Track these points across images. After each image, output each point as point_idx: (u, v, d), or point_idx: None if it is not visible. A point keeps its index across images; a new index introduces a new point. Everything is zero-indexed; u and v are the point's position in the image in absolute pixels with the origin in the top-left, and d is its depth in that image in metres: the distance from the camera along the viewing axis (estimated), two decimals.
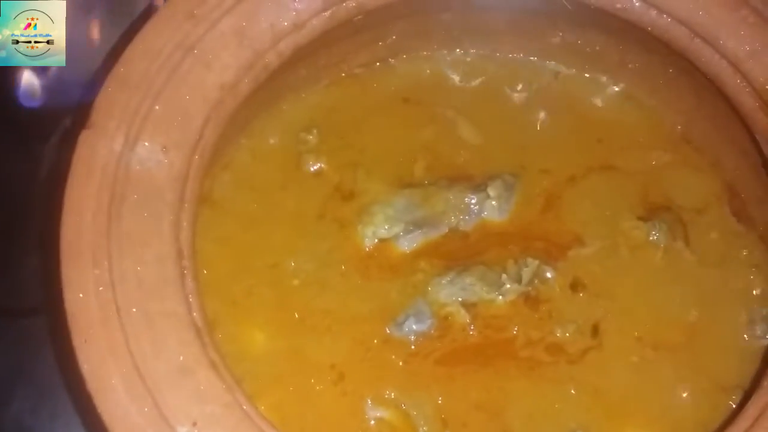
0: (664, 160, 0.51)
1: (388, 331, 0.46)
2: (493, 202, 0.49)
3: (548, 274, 0.47)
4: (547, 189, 0.50)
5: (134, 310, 0.36)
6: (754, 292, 0.47)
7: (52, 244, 0.37)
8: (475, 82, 0.53)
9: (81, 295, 0.35)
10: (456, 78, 0.53)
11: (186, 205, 0.39)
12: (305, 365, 0.45)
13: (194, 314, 0.37)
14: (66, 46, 0.59)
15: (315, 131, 0.51)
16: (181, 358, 0.35)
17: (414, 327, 0.46)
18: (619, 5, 0.43)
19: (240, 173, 0.50)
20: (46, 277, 0.39)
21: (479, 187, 0.49)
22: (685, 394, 0.45)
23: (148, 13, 0.50)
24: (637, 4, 0.43)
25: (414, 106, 0.53)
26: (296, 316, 0.46)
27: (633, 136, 0.51)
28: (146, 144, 0.39)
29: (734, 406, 0.44)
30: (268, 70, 0.44)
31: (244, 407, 0.35)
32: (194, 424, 0.33)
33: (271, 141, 0.51)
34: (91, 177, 0.38)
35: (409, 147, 0.52)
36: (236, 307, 0.46)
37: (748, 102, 0.41)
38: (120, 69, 0.40)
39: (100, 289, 0.36)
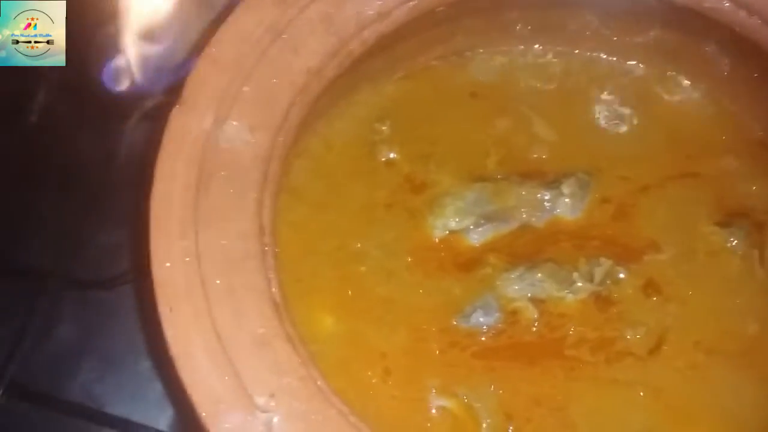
0: (742, 165, 0.50)
1: (455, 323, 0.46)
2: (567, 200, 0.49)
3: (621, 275, 0.47)
4: (622, 192, 0.50)
5: (218, 281, 0.37)
6: None
7: (140, 216, 0.38)
8: (553, 79, 0.53)
9: (168, 265, 0.36)
10: (533, 74, 0.53)
11: (269, 184, 0.40)
12: (364, 353, 0.46)
13: (273, 290, 0.38)
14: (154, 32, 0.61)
15: (388, 122, 0.52)
16: (261, 330, 0.36)
17: (481, 320, 0.46)
18: (707, 4, 0.43)
19: (314, 160, 0.51)
20: (134, 248, 0.40)
21: (553, 184, 0.49)
22: (746, 401, 0.44)
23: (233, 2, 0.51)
24: (726, 4, 0.42)
25: (489, 101, 0.53)
26: (360, 302, 0.47)
27: (711, 142, 0.50)
28: (235, 123, 0.40)
29: None
30: (352, 57, 0.44)
31: (319, 383, 0.35)
32: (272, 395, 0.34)
33: (346, 130, 0.52)
34: (182, 151, 0.39)
35: (482, 141, 0.52)
36: (303, 288, 0.46)
37: None
38: (212, 50, 0.41)
39: (187, 259, 0.37)
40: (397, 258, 0.48)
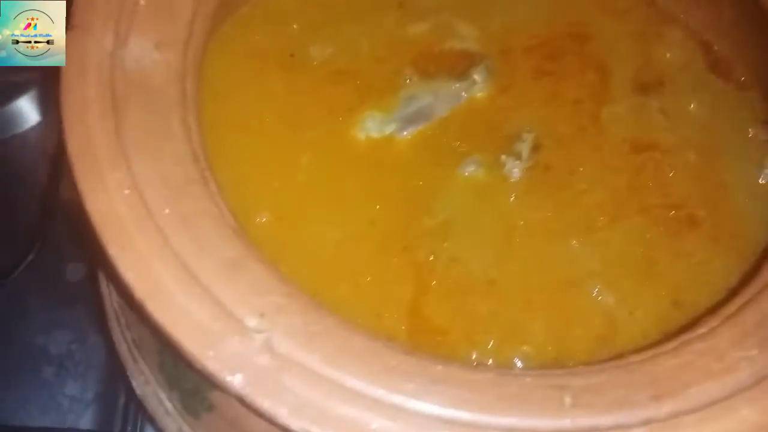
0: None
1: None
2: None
3: None
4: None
5: (167, 211, 0.32)
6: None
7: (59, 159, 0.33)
8: None
9: (106, 201, 0.31)
10: None
11: (189, 104, 0.36)
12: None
13: (226, 215, 0.34)
14: None
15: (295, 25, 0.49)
16: (228, 254, 0.32)
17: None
18: None
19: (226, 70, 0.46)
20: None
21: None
22: None
23: None
24: None
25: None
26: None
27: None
28: (138, 41, 0.35)
29: None
30: None
31: (305, 297, 0.32)
32: (262, 315, 0.30)
33: (257, 33, 0.48)
34: (87, 78, 0.34)
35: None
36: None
37: None
38: None
39: (126, 192, 0.32)
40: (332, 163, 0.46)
